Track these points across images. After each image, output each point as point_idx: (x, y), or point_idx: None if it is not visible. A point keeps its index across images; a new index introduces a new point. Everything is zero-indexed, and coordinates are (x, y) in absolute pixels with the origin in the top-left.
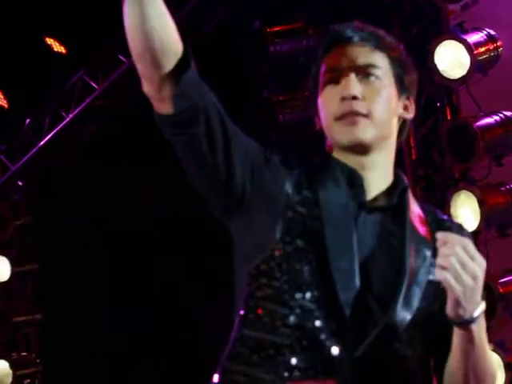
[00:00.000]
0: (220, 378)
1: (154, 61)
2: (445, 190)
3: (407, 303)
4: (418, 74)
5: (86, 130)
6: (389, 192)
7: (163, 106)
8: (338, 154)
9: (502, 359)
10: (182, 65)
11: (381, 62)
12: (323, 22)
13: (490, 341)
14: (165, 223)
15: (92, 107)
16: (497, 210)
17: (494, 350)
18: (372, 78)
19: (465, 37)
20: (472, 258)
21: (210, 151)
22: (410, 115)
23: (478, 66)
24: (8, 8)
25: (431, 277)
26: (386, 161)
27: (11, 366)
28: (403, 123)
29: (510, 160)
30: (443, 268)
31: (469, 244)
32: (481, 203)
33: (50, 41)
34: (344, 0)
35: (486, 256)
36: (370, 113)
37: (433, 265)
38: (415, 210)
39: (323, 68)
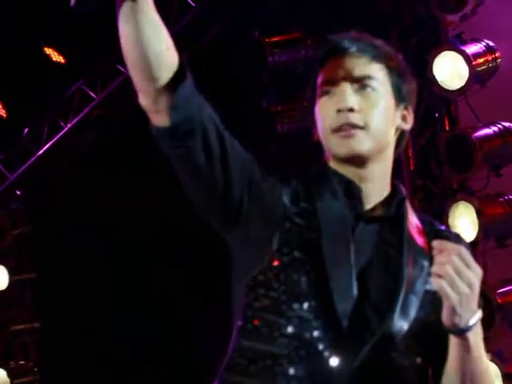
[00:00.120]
0: None
1: (150, 73)
2: (443, 201)
3: (404, 313)
4: (417, 84)
5: (85, 140)
6: (387, 202)
7: (159, 119)
8: (335, 165)
9: (500, 369)
10: (177, 77)
11: (378, 73)
12: (322, 33)
13: (488, 351)
14: (163, 233)
15: (90, 117)
16: (495, 221)
17: (491, 360)
18: (368, 90)
19: (463, 48)
20: (468, 266)
21: (207, 163)
22: (408, 125)
23: (476, 77)
24: (7, 17)
25: (428, 287)
26: (384, 172)
27: (9, 375)
28: (401, 134)
29: (508, 171)
30: (439, 276)
31: (465, 252)
32: (479, 214)
33: (48, 50)
34: (343, 10)
35: (484, 266)
36: (366, 125)
37: (430, 275)
38: (413, 220)
39: (320, 79)
